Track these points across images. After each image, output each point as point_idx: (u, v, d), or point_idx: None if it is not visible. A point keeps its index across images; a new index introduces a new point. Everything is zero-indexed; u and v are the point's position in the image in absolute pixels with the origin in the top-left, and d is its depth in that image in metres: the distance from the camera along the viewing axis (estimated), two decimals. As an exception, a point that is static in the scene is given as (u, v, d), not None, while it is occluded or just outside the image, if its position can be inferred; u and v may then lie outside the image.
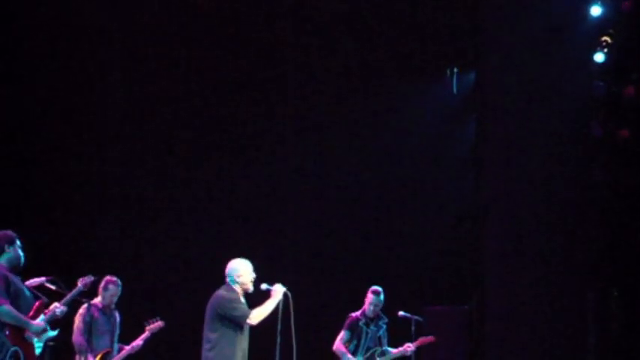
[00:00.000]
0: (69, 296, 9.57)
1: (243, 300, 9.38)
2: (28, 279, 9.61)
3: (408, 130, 14.63)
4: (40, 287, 9.76)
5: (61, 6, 14.49)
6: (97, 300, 11.02)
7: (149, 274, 14.15)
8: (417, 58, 14.61)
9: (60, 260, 12.87)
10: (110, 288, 11.04)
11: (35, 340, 8.78)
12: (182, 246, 13.96)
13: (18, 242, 8.83)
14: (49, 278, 9.93)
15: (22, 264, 8.79)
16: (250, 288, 9.26)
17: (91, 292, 10.51)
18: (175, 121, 14.67)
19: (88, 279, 9.95)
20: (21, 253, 8.79)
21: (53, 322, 9.02)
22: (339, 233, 14.46)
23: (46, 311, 8.95)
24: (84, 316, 10.81)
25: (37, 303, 8.86)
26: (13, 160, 14.14)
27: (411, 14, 14.55)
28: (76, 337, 10.84)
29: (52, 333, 9.05)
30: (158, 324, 11.26)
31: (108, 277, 11.10)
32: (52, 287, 9.89)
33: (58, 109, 14.38)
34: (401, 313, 11.67)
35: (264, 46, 14.67)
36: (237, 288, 9.34)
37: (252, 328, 9.27)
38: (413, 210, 14.52)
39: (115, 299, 11.10)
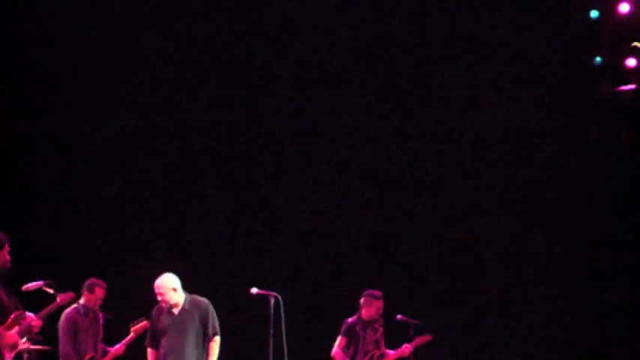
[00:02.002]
0: (46, 311, 9.38)
1: (174, 311, 9.76)
2: (24, 282, 9.66)
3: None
4: (38, 291, 9.77)
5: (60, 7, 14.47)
6: (80, 302, 10.84)
7: (142, 277, 14.11)
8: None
9: (51, 262, 12.86)
10: (97, 291, 10.85)
11: None
12: (178, 248, 13.94)
13: (7, 246, 8.72)
14: (47, 282, 9.87)
15: (8, 268, 8.66)
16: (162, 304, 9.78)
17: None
18: (172, 122, 14.64)
19: (67, 296, 9.78)
20: (8, 257, 8.65)
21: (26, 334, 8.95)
22: (336, 235, 14.43)
23: (22, 322, 8.83)
24: (70, 320, 10.75)
25: (13, 314, 8.70)
26: (7, 159, 14.10)
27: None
28: (63, 346, 10.74)
29: (23, 346, 8.96)
30: (143, 324, 10.87)
31: (93, 280, 10.94)
32: (50, 291, 9.84)
33: (55, 108, 14.34)
34: (399, 316, 11.66)
35: (262, 47, 14.67)
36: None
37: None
38: (412, 211, 14.51)
39: (100, 302, 10.95)
